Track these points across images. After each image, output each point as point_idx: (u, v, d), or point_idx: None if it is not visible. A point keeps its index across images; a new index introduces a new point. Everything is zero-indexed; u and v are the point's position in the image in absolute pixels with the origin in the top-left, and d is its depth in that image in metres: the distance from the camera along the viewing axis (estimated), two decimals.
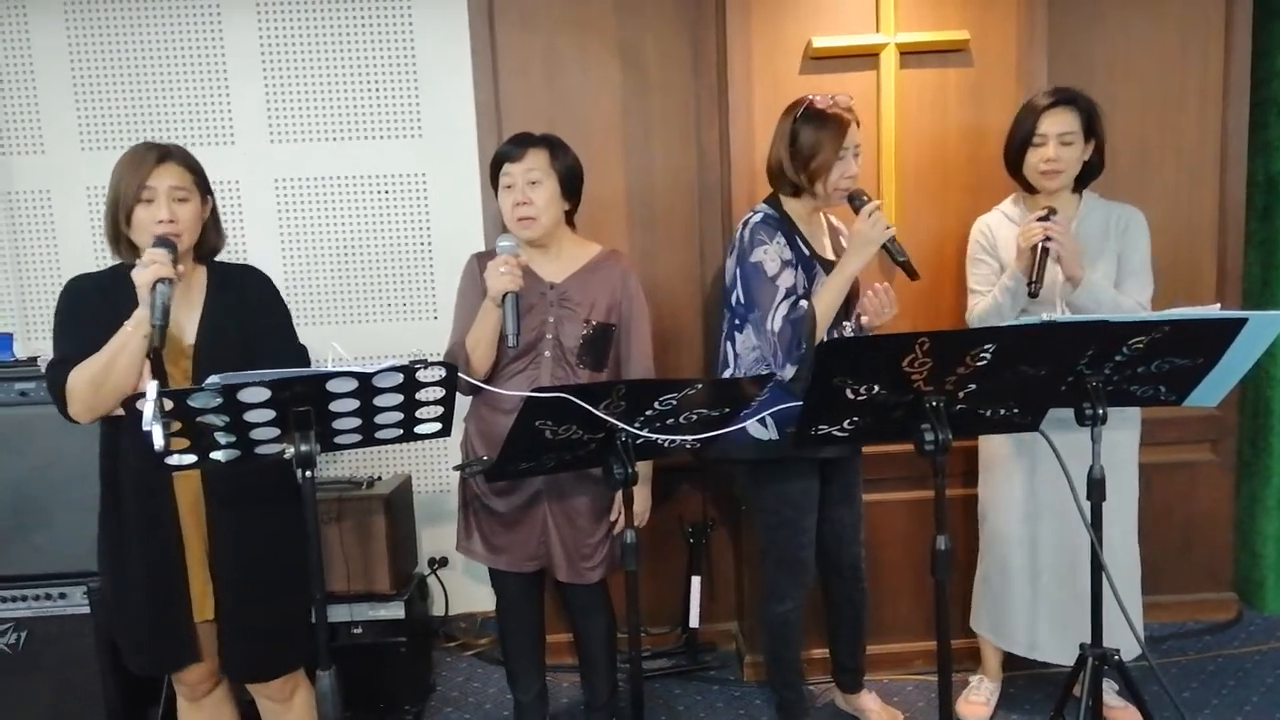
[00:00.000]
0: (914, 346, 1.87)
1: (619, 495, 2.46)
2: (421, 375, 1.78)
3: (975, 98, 3.07)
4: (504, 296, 2.32)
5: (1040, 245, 2.50)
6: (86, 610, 2.79)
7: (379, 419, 1.84)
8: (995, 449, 2.80)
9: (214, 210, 2.18)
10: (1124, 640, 2.33)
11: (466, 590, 3.65)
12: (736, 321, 2.62)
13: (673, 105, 3.36)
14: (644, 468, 2.60)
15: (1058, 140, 2.61)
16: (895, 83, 3.03)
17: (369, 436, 1.88)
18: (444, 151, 3.50)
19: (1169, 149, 3.35)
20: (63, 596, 2.79)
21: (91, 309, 2.06)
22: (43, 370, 2.76)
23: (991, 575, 2.84)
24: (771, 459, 2.60)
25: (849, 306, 2.62)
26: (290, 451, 1.75)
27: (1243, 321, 2.08)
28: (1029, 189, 2.72)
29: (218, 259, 2.23)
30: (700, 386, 2.04)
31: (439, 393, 1.85)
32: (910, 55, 3.04)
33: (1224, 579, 3.53)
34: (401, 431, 1.90)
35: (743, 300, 2.58)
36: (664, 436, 2.07)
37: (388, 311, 3.58)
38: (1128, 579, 2.69)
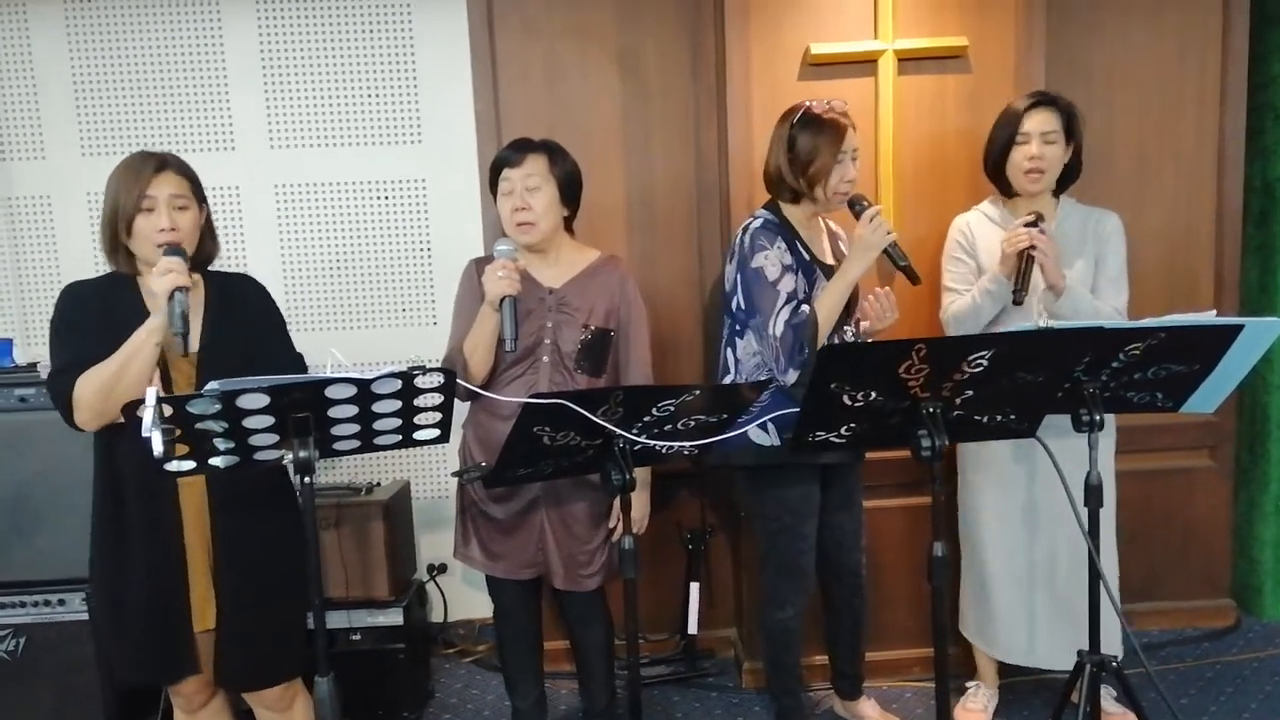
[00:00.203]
0: (911, 353, 1.87)
1: (617, 501, 2.46)
2: (420, 381, 1.79)
3: (973, 104, 3.08)
4: (502, 301, 2.33)
5: (1025, 252, 2.52)
6: (86, 616, 2.79)
7: (378, 425, 1.85)
8: (979, 455, 2.80)
9: (209, 218, 2.19)
10: (1113, 644, 2.33)
11: (465, 596, 3.65)
12: (737, 327, 2.63)
13: (672, 111, 3.37)
14: (642, 474, 2.59)
15: (1041, 139, 2.64)
16: (893, 89, 3.04)
17: (368, 443, 1.88)
18: (444, 157, 3.51)
19: (1167, 155, 3.36)
20: (61, 603, 2.79)
21: (91, 315, 2.06)
22: (43, 376, 2.78)
23: (976, 581, 2.84)
24: (771, 464, 2.60)
25: (849, 310, 2.63)
26: (289, 458, 1.75)
27: (1238, 328, 2.09)
28: (1007, 193, 2.75)
29: (212, 267, 2.23)
30: (698, 392, 2.04)
31: (437, 399, 1.85)
32: (908, 62, 3.05)
33: (1222, 585, 3.53)
34: (400, 437, 1.90)
35: (744, 306, 2.59)
36: (662, 443, 2.07)
37: (387, 317, 3.58)
38: (1109, 584, 2.70)
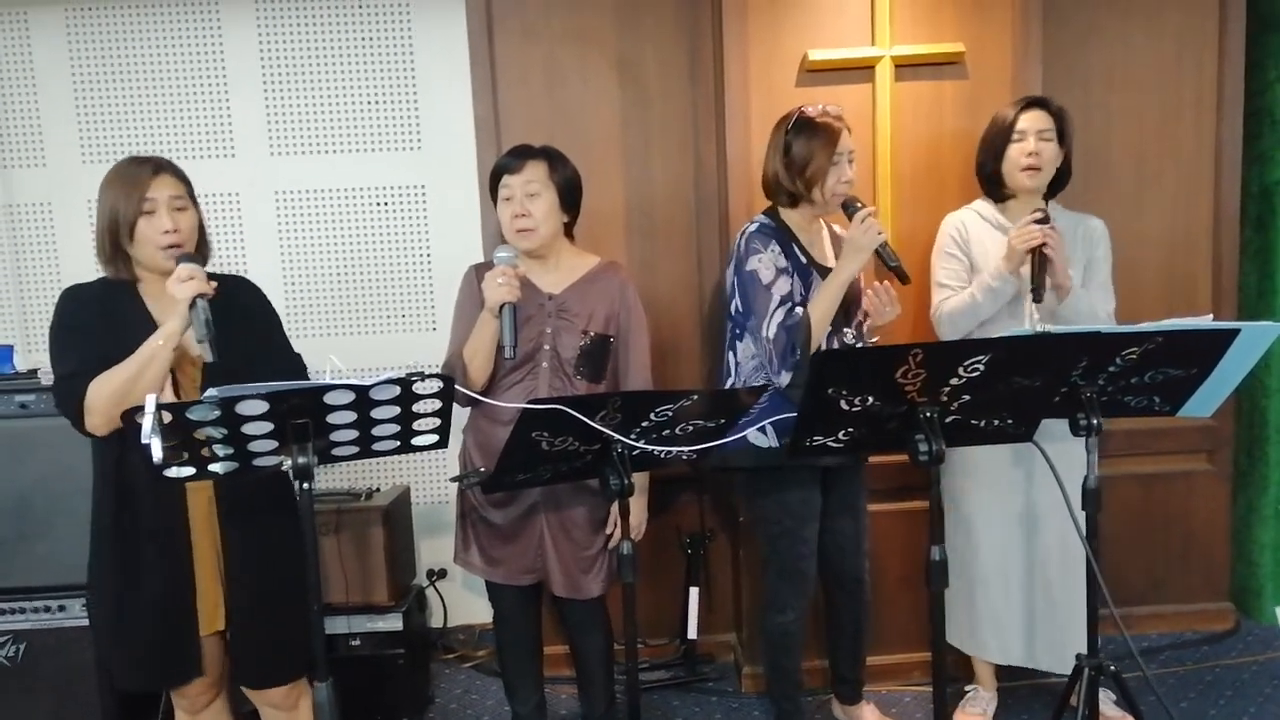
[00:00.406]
0: (908, 358, 1.88)
1: (615, 507, 2.46)
2: (418, 387, 1.80)
3: (971, 109, 3.09)
4: (501, 308, 2.34)
5: (1038, 250, 2.52)
6: (85, 623, 2.78)
7: (376, 431, 1.85)
8: (966, 460, 2.79)
9: (201, 220, 2.19)
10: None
11: (465, 602, 3.65)
12: (737, 330, 2.65)
13: (671, 117, 3.38)
14: (641, 479, 2.59)
15: (1037, 136, 2.66)
16: (891, 95, 3.05)
17: (366, 448, 1.89)
18: (443, 163, 3.52)
19: (1165, 159, 3.37)
20: (62, 609, 2.80)
21: (94, 320, 2.07)
22: (43, 383, 2.79)
23: (965, 585, 2.82)
24: (771, 467, 2.61)
25: (849, 313, 2.63)
26: (288, 464, 1.76)
27: (1235, 332, 2.09)
28: (1000, 197, 2.76)
29: (205, 269, 2.24)
30: (696, 397, 2.05)
31: (436, 404, 1.86)
32: (905, 68, 3.07)
33: (1221, 589, 3.53)
34: (399, 443, 1.91)
35: (740, 309, 2.61)
36: (660, 448, 2.08)
37: (387, 323, 3.59)
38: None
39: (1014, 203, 2.75)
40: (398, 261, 3.57)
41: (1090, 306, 2.66)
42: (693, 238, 3.41)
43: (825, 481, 2.71)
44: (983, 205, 2.80)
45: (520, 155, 2.52)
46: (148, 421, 1.60)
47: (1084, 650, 2.28)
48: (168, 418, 1.64)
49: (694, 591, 3.35)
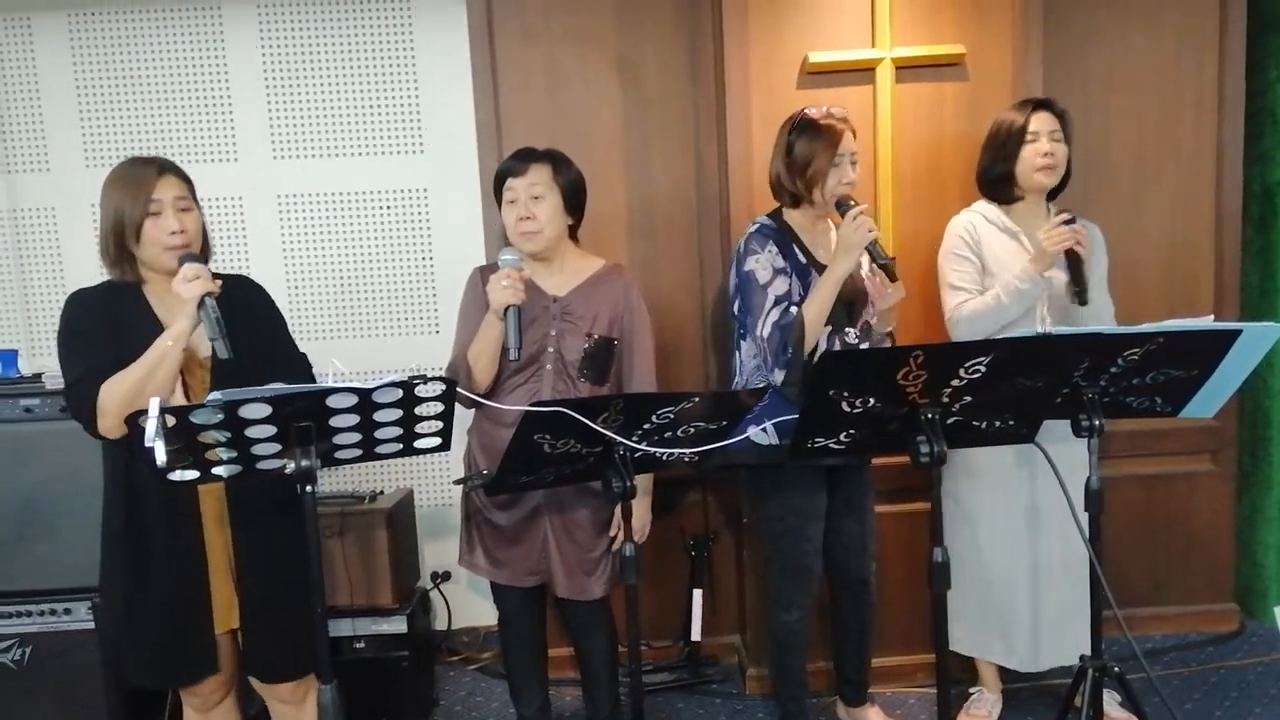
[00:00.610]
0: (909, 359, 1.88)
1: (619, 509, 2.47)
2: (420, 390, 1.80)
3: (971, 111, 3.09)
4: (506, 310, 2.34)
5: (1072, 252, 2.53)
6: (91, 625, 2.80)
7: (379, 434, 1.86)
8: (969, 461, 2.79)
9: (203, 221, 2.20)
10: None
11: (469, 604, 3.66)
12: (741, 330, 2.67)
13: (672, 119, 3.39)
14: (644, 481, 2.60)
15: (1049, 136, 2.67)
16: (891, 97, 3.06)
17: (369, 451, 1.90)
18: (445, 166, 3.53)
19: (1166, 160, 3.37)
20: (67, 612, 2.81)
21: (100, 324, 2.08)
22: (48, 386, 2.80)
23: (971, 589, 2.81)
24: (772, 464, 2.61)
25: (852, 312, 2.64)
26: (291, 467, 1.76)
27: (1237, 333, 2.09)
28: (1006, 199, 2.75)
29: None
30: (698, 399, 2.06)
31: (438, 408, 1.87)
32: (906, 70, 3.07)
33: (1225, 590, 3.53)
34: (401, 446, 1.92)
35: (741, 309, 2.63)
36: (662, 450, 2.08)
37: (390, 326, 3.60)
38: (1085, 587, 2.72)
39: (1021, 205, 2.75)
40: (400, 265, 3.58)
41: (1109, 309, 2.66)
42: (694, 239, 3.41)
43: (831, 482, 2.71)
44: (987, 208, 2.79)
45: (524, 158, 2.52)
46: (151, 425, 1.61)
47: (1089, 652, 2.27)
48: (172, 421, 1.65)
49: (698, 593, 3.35)
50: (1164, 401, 2.25)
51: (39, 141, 3.46)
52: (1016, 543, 2.77)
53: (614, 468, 2.03)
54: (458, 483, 2.56)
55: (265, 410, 1.69)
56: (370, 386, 1.74)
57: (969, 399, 1.97)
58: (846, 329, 2.64)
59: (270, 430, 1.73)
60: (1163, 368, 2.15)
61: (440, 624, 3.62)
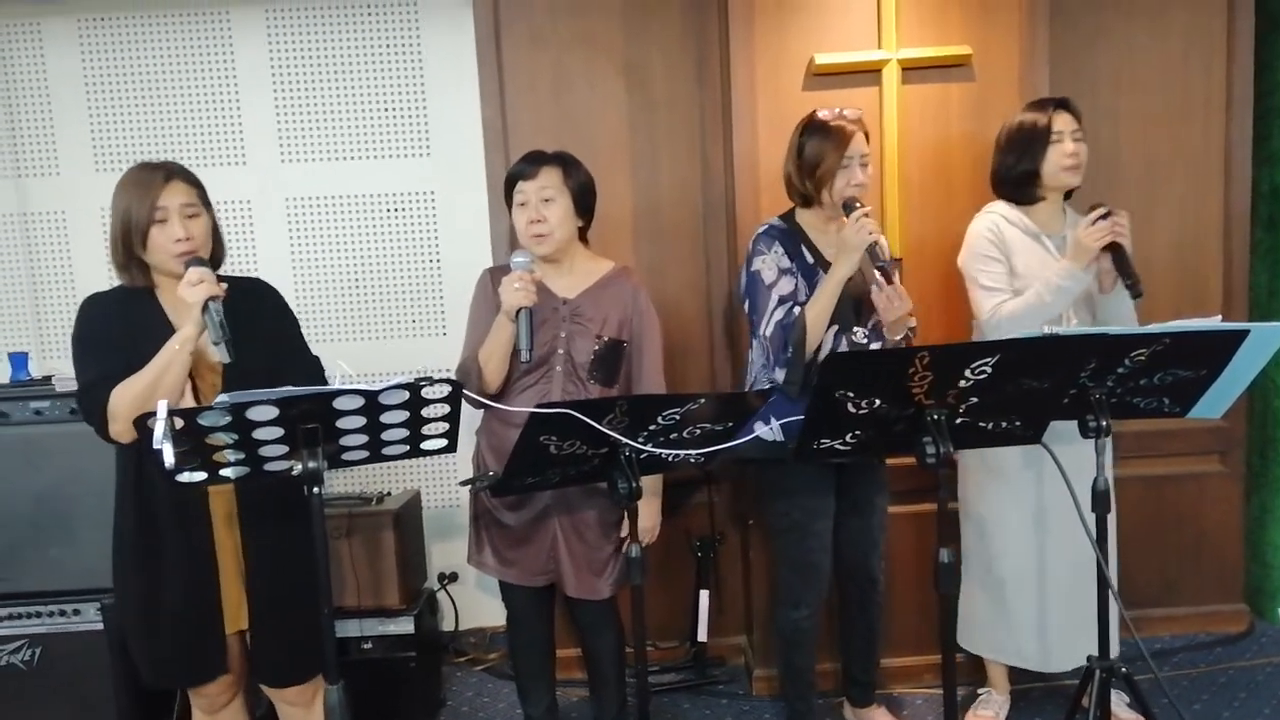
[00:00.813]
0: (915, 360, 1.88)
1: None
2: (427, 392, 1.81)
3: (978, 112, 3.09)
4: (518, 312, 2.35)
5: (1116, 246, 2.51)
6: (100, 626, 2.82)
7: (385, 435, 1.87)
8: (990, 462, 2.79)
9: (215, 223, 2.21)
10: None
11: (476, 605, 3.66)
12: (753, 330, 2.68)
13: (678, 121, 3.39)
14: (653, 482, 2.61)
15: (1072, 136, 2.65)
16: (898, 98, 3.05)
17: (376, 453, 1.91)
18: (452, 169, 3.54)
19: (1175, 161, 3.36)
20: (76, 613, 2.82)
21: (114, 328, 2.09)
22: (57, 389, 2.82)
23: (988, 590, 2.83)
24: (777, 460, 2.61)
25: (860, 312, 2.63)
26: (298, 468, 1.77)
27: (1244, 333, 2.09)
28: (1027, 200, 2.73)
29: (221, 272, 2.26)
30: (703, 401, 2.06)
31: (444, 409, 1.87)
32: (912, 71, 3.07)
33: (1235, 590, 3.52)
34: (408, 447, 1.93)
35: (749, 309, 2.65)
36: (666, 451, 2.08)
37: (397, 328, 3.61)
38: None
39: (1044, 205, 2.73)
40: (408, 267, 3.59)
41: (1130, 307, 2.64)
42: (700, 241, 3.42)
43: (842, 479, 2.71)
44: (1006, 209, 2.75)
45: (535, 161, 2.53)
46: (159, 427, 1.62)
47: (1109, 654, 2.27)
48: (180, 423, 1.66)
49: (704, 594, 3.35)
50: (1172, 402, 2.24)
51: (49, 145, 3.48)
52: (1030, 543, 2.75)
53: (620, 469, 2.03)
54: (464, 484, 2.57)
55: (272, 412, 1.70)
56: (377, 389, 1.75)
57: (975, 400, 1.97)
58: (855, 329, 2.64)
59: (278, 432, 1.74)
60: (1170, 368, 2.15)
61: (447, 625, 3.63)
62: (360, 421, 1.81)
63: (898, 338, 2.62)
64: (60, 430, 2.78)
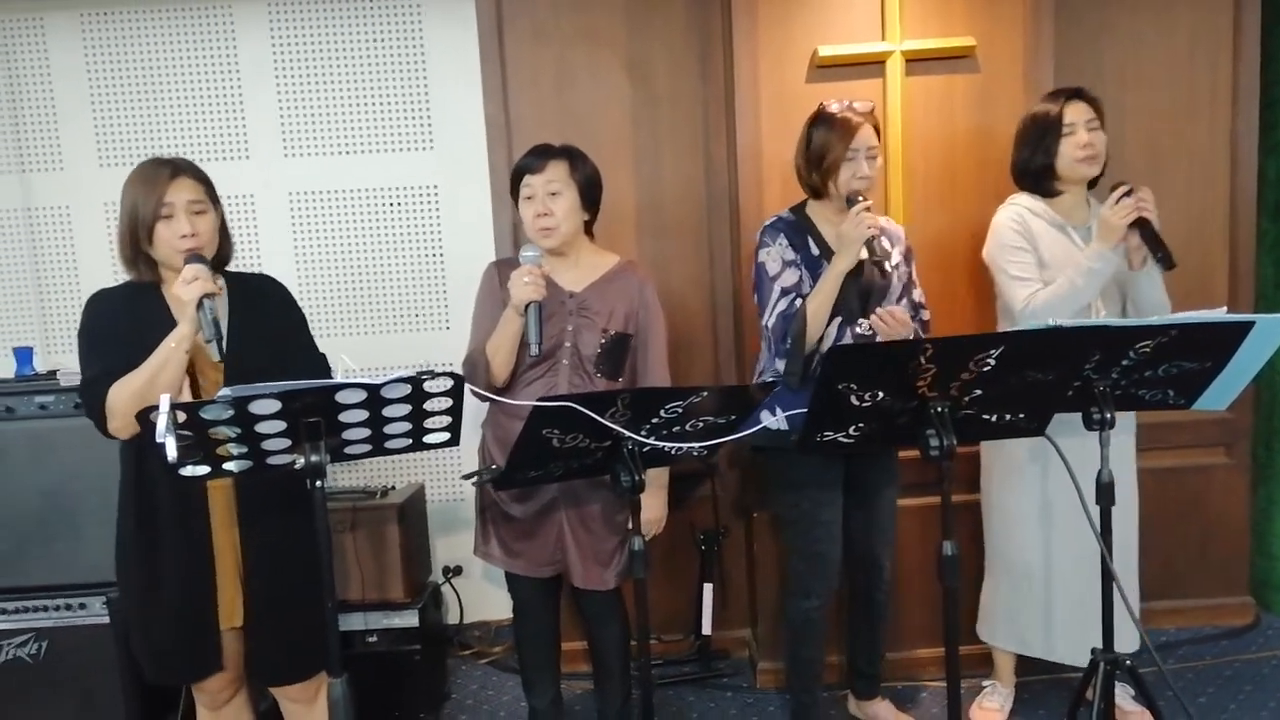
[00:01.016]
0: (918, 353, 1.87)
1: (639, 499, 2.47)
2: (429, 386, 1.81)
3: (982, 104, 3.08)
4: (527, 306, 2.35)
5: (1142, 221, 2.48)
6: (106, 620, 2.83)
7: (388, 429, 1.87)
8: (1009, 454, 2.79)
9: (223, 219, 2.21)
10: (1131, 641, 2.32)
11: (481, 599, 3.67)
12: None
13: (681, 116, 3.39)
14: (658, 475, 2.62)
15: (1085, 126, 2.63)
16: (901, 90, 3.05)
17: (379, 446, 1.91)
18: (455, 163, 3.54)
19: (1180, 153, 3.35)
20: (83, 607, 2.83)
21: (119, 324, 2.09)
22: (62, 384, 2.83)
23: (1008, 581, 2.83)
24: (781, 448, 2.61)
25: (866, 305, 2.63)
26: (301, 462, 1.77)
27: (1250, 325, 2.08)
28: (1049, 193, 2.71)
29: (229, 268, 2.26)
30: (706, 394, 2.05)
31: (447, 403, 1.87)
32: (916, 63, 3.06)
33: (1240, 583, 3.51)
34: (410, 441, 1.92)
35: (756, 300, 2.67)
36: (669, 444, 2.08)
37: (401, 322, 3.61)
38: (1129, 583, 2.72)
39: (1066, 196, 2.70)
40: (411, 261, 3.59)
41: (1165, 297, 2.63)
42: (704, 235, 3.42)
43: (851, 470, 2.71)
44: (1030, 200, 2.72)
45: (542, 155, 2.53)
46: (162, 421, 1.62)
47: (1113, 647, 2.26)
48: (182, 417, 1.66)
49: (708, 587, 3.36)
50: (1177, 394, 2.23)
51: (52, 140, 3.49)
52: (1053, 536, 2.74)
53: (622, 462, 2.02)
54: (466, 478, 2.57)
55: (275, 406, 1.70)
56: (379, 382, 1.75)
57: (979, 392, 1.97)
58: (860, 320, 2.63)
59: (280, 426, 1.74)
60: (1175, 360, 2.14)
61: (452, 618, 3.64)
62: (363, 415, 1.80)
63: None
64: (65, 425, 2.79)
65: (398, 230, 3.58)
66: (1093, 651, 2.29)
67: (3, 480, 2.83)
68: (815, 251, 2.62)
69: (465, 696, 3.31)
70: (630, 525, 2.09)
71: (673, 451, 2.12)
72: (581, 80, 3.36)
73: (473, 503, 2.72)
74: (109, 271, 3.45)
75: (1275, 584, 3.56)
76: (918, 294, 2.73)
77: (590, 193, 2.56)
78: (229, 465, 1.79)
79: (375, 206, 3.56)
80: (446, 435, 1.94)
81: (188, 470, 1.74)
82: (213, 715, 2.32)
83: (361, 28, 3.49)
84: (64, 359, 3.41)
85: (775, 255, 2.61)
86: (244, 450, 1.77)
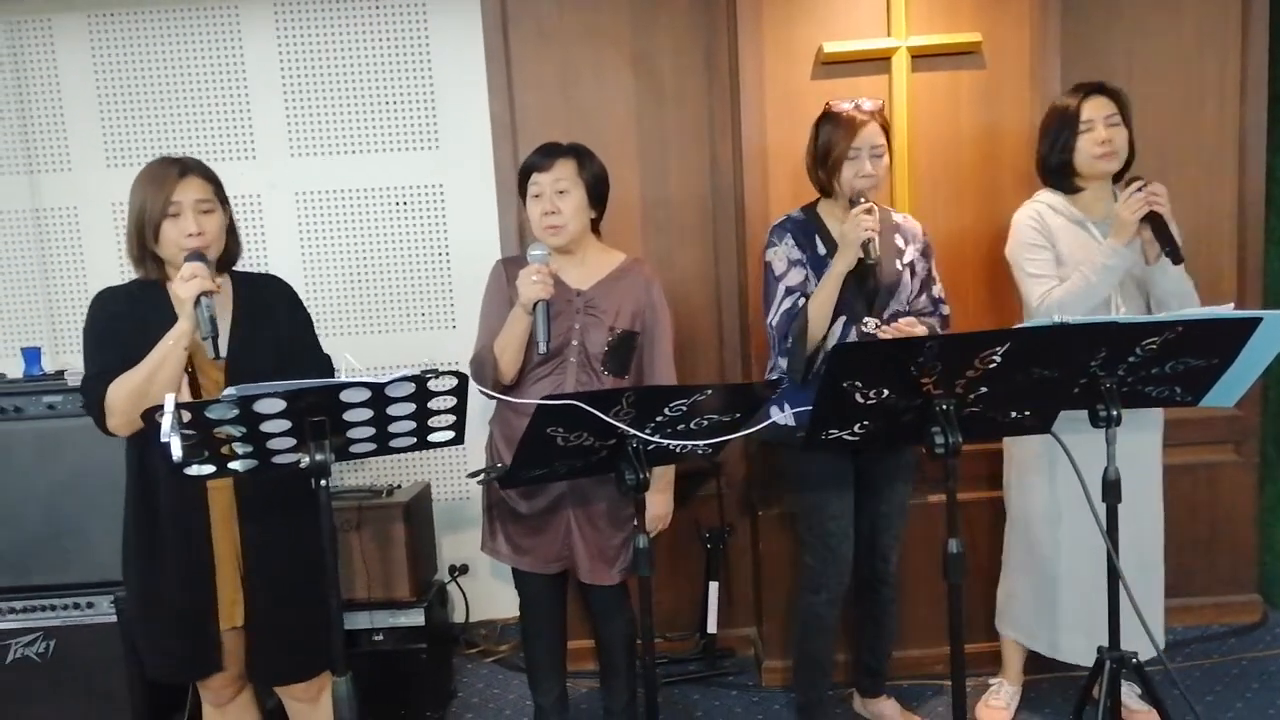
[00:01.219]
0: (923, 350, 1.87)
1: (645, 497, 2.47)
2: (433, 384, 1.81)
3: (988, 100, 3.07)
4: (535, 304, 2.36)
5: (1154, 215, 2.47)
6: (113, 619, 2.84)
7: (393, 428, 1.87)
8: (1029, 451, 2.78)
9: (231, 219, 2.21)
10: (1144, 644, 2.30)
11: (487, 597, 3.68)
12: None
13: (686, 113, 3.38)
14: (664, 473, 2.62)
15: (1104, 122, 2.61)
16: (907, 86, 3.04)
17: (383, 445, 1.91)
18: (461, 163, 3.54)
19: (1188, 148, 3.33)
20: (90, 606, 2.84)
21: (123, 322, 2.10)
22: (70, 384, 2.84)
23: (1031, 578, 2.81)
24: (793, 443, 2.61)
25: (872, 303, 2.62)
26: (306, 461, 1.78)
27: (1257, 320, 2.06)
28: (1070, 189, 2.69)
29: (236, 268, 2.27)
30: (711, 392, 2.05)
31: (451, 401, 1.87)
32: (922, 59, 3.05)
33: (1248, 581, 3.49)
34: (415, 440, 1.93)
35: (764, 299, 2.67)
36: (675, 442, 2.08)
37: (407, 321, 3.62)
38: (1153, 581, 2.70)
39: (1088, 192, 2.69)
40: (417, 260, 3.59)
41: (1188, 286, 2.61)
42: (709, 232, 3.41)
43: (861, 465, 2.70)
44: (1051, 197, 2.71)
45: (549, 153, 2.54)
46: (167, 420, 1.63)
47: (1133, 647, 2.25)
48: (187, 416, 1.67)
49: (713, 586, 3.35)
50: (1183, 391, 2.22)
51: (60, 141, 3.50)
52: (1074, 533, 2.73)
53: (627, 461, 2.02)
54: (472, 476, 2.57)
55: (279, 405, 1.70)
56: (383, 381, 1.75)
57: (985, 390, 1.96)
58: (865, 319, 2.63)
59: (285, 425, 1.74)
60: (1182, 357, 2.13)
61: (458, 616, 3.64)
62: (367, 414, 1.81)
63: None
64: (73, 424, 2.80)
65: (404, 230, 3.58)
66: (1099, 650, 2.28)
67: (11, 480, 2.85)
68: (822, 251, 2.62)
69: (471, 695, 3.32)
70: (635, 522, 2.10)
71: (678, 450, 2.12)
72: (586, 78, 3.36)
73: (478, 501, 2.73)
74: (117, 272, 3.46)
75: None
76: (937, 289, 2.73)
77: (597, 191, 2.57)
78: (234, 464, 1.79)
79: (381, 206, 3.57)
80: (451, 434, 1.94)
81: (193, 470, 1.74)
82: (218, 713, 2.33)
83: (367, 28, 3.49)
84: (72, 359, 3.42)
85: (781, 255, 2.62)
86: (249, 449, 1.77)
